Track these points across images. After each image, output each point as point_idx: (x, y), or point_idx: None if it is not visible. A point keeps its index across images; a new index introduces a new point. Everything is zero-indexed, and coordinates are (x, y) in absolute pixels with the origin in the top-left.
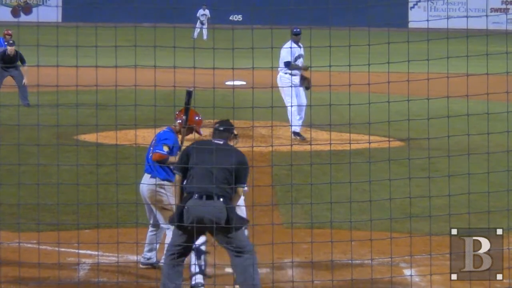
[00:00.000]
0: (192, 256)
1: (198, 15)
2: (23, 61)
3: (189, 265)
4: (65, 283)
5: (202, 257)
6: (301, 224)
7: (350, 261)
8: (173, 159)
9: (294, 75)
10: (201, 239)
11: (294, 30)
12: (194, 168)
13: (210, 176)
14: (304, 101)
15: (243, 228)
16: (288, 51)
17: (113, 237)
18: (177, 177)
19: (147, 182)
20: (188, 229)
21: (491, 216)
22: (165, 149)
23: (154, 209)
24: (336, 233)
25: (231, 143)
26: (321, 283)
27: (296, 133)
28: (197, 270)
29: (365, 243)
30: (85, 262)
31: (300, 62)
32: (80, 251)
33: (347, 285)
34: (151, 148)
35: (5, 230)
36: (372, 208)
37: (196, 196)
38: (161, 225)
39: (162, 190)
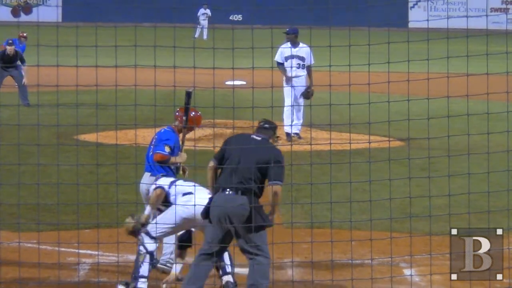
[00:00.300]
0: (146, 258)
1: (198, 14)
2: (22, 61)
3: (138, 265)
4: (65, 283)
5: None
6: (301, 224)
7: (350, 261)
8: (173, 159)
9: (294, 76)
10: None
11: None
12: (227, 161)
13: (240, 172)
14: (300, 101)
15: (265, 230)
16: (278, 51)
17: (113, 236)
18: (211, 163)
19: (147, 181)
20: (217, 224)
21: (491, 216)
22: (167, 149)
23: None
24: (336, 233)
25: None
26: (321, 282)
27: (287, 134)
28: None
29: (365, 243)
30: (85, 262)
31: (291, 63)
32: (80, 251)
33: (347, 285)
34: (151, 147)
35: (5, 230)
36: (372, 208)
37: (222, 190)
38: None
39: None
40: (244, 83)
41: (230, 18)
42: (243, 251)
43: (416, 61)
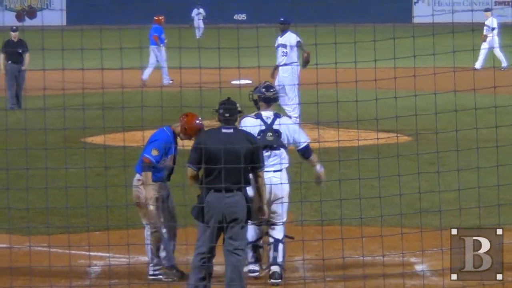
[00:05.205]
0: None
1: (193, 14)
2: (26, 50)
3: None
4: (77, 286)
5: (259, 251)
6: (311, 222)
7: (361, 258)
8: (166, 162)
9: (282, 64)
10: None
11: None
12: (209, 162)
13: (227, 170)
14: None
15: (249, 223)
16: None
17: (124, 238)
18: (191, 172)
19: (135, 183)
20: (212, 224)
21: (501, 210)
22: (154, 153)
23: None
24: (346, 229)
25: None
26: (333, 280)
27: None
28: (253, 260)
29: (376, 239)
30: (96, 264)
31: (279, 52)
32: (91, 253)
33: (359, 282)
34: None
35: (15, 234)
36: (382, 204)
37: (215, 191)
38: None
39: (140, 186)
40: (250, 82)
41: (234, 17)
42: (227, 244)
43: (422, 56)
